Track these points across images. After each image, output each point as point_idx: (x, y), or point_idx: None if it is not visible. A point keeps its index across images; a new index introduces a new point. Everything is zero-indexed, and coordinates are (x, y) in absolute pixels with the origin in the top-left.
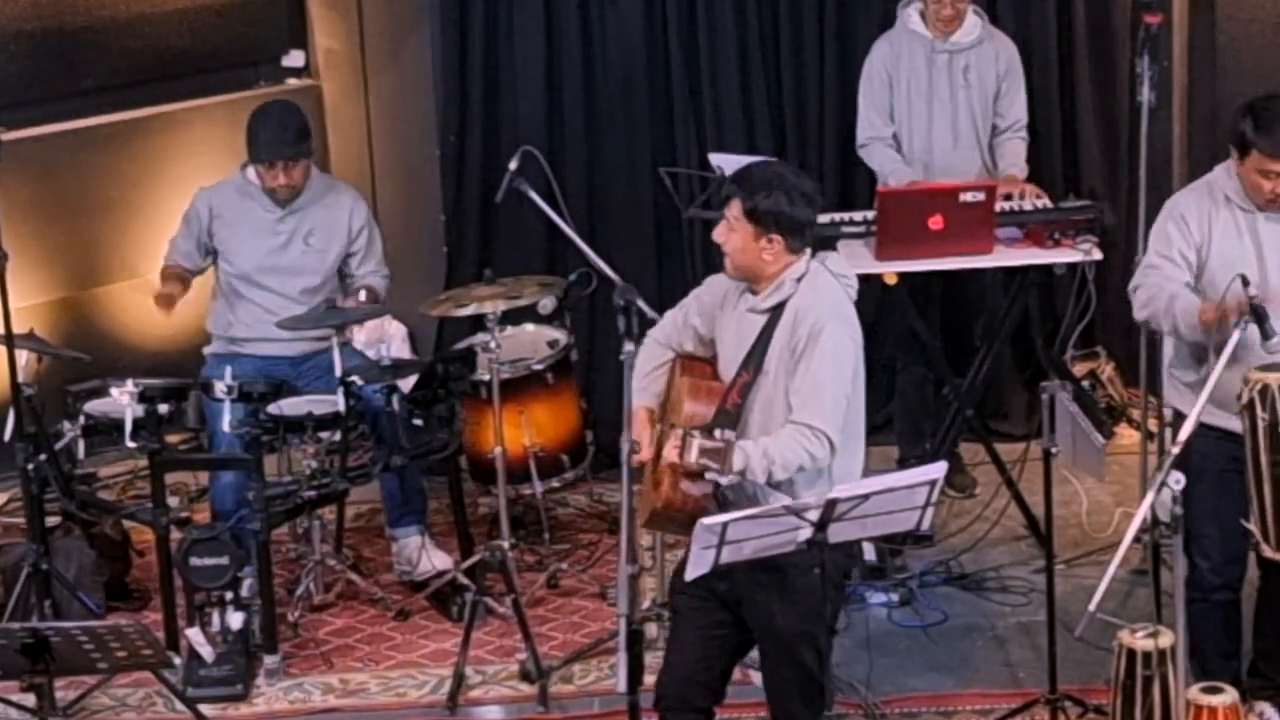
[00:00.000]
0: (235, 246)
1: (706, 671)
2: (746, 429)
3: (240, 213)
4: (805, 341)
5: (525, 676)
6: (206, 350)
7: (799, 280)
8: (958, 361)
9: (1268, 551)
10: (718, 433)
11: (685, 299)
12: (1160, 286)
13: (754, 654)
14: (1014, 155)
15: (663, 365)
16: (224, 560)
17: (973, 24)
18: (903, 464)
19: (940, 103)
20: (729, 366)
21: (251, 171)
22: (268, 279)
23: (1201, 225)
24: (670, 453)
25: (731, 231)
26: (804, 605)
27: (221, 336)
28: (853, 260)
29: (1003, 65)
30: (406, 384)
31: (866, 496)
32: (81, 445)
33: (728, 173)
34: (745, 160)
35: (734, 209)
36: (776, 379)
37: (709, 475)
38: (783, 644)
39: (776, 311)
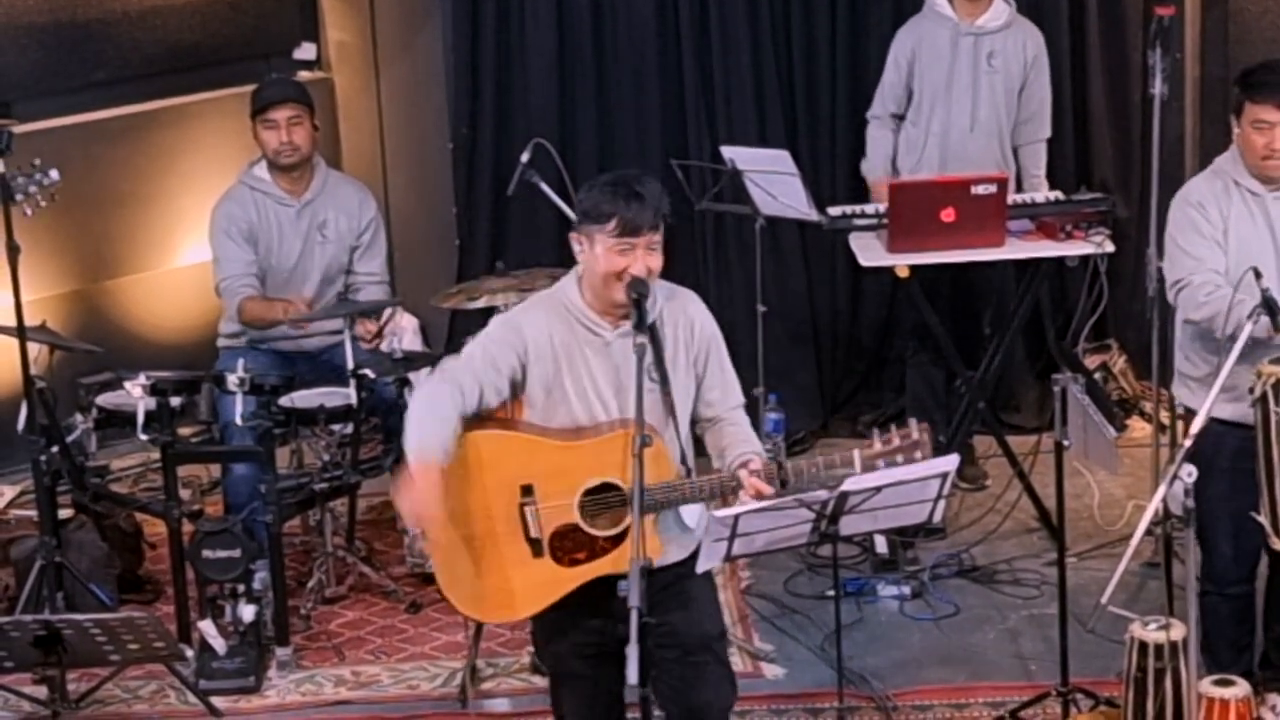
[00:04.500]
0: (265, 245)
1: None
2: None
3: (263, 211)
4: (707, 342)
5: (537, 669)
6: (219, 342)
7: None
8: (966, 354)
9: (1277, 544)
10: (754, 457)
11: (488, 350)
12: (1216, 286)
13: (765, 646)
14: (1035, 161)
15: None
16: (236, 553)
17: (1000, 9)
18: None
19: (961, 86)
20: (601, 401)
21: (258, 169)
22: (293, 277)
23: (1221, 209)
24: (765, 489)
25: (654, 254)
26: (714, 605)
27: (236, 330)
28: (865, 253)
29: (1030, 54)
30: (418, 376)
31: (878, 489)
32: (94, 438)
33: (739, 165)
34: (757, 152)
35: (660, 232)
36: (685, 386)
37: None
38: (711, 644)
39: (652, 325)
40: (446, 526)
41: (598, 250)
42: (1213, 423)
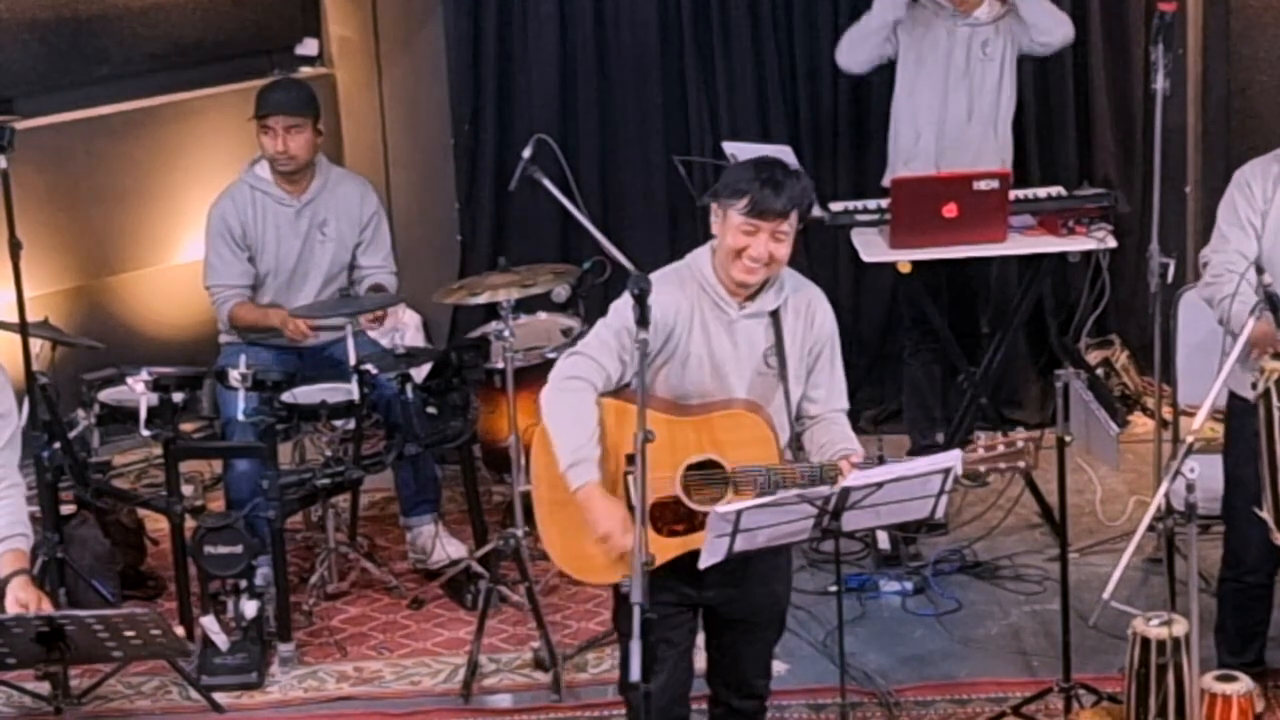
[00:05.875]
0: (262, 247)
1: (686, 684)
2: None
3: (261, 211)
4: (823, 337)
5: (539, 664)
6: (221, 339)
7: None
8: (965, 350)
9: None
10: (856, 451)
11: (616, 332)
12: (1227, 270)
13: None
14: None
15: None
16: (238, 548)
17: (994, 1)
18: (914, 454)
19: (956, 76)
20: (716, 379)
21: (260, 167)
22: (293, 278)
23: (1265, 189)
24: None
25: (781, 244)
26: (789, 579)
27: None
28: (867, 249)
29: (1019, 34)
30: (420, 372)
31: (880, 485)
32: (96, 434)
33: (741, 161)
34: (758, 148)
35: (791, 224)
36: (797, 376)
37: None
38: (783, 617)
39: (776, 312)
40: (552, 485)
41: (729, 225)
42: (1245, 404)
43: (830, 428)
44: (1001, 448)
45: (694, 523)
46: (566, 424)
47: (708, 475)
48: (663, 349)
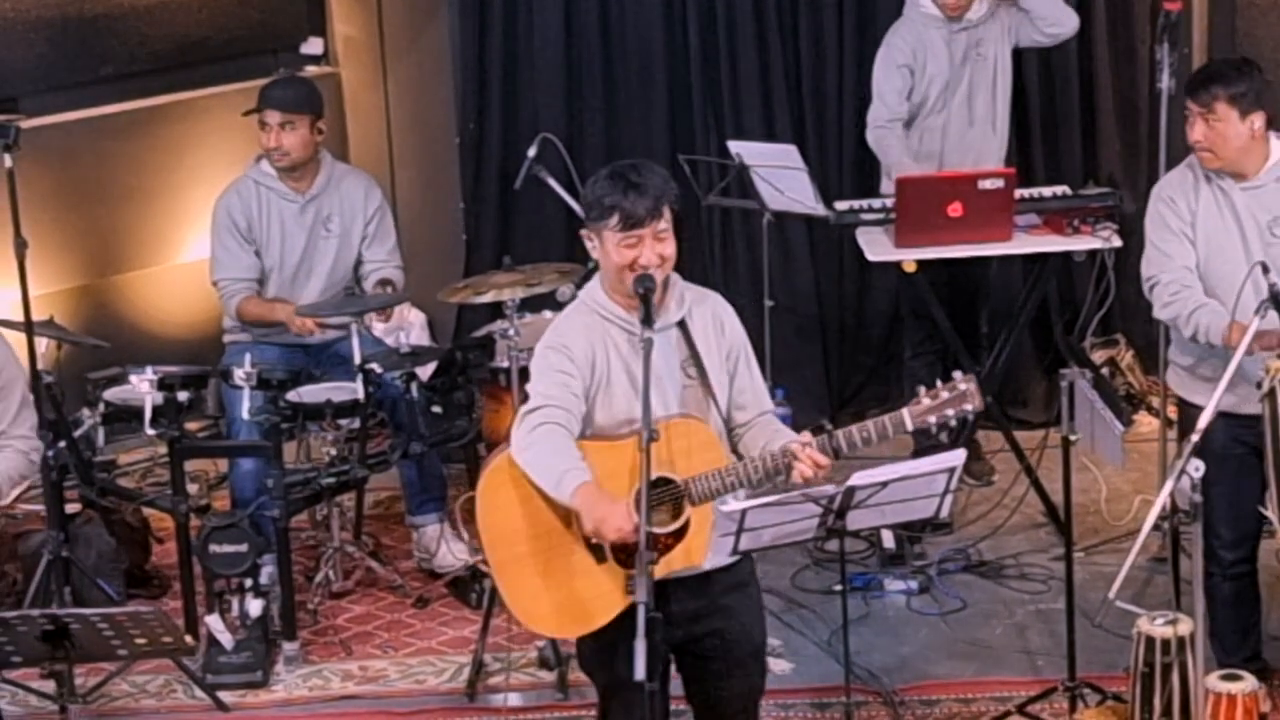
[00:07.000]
0: (267, 241)
1: None
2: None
3: (266, 206)
4: (736, 343)
5: (544, 664)
6: (226, 338)
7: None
8: (967, 349)
9: None
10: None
11: (553, 375)
12: (1183, 285)
13: (772, 640)
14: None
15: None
16: (243, 547)
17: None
18: (918, 453)
19: (956, 81)
20: (633, 401)
21: (265, 164)
22: (298, 273)
23: (1189, 201)
24: (821, 459)
25: (664, 242)
26: (762, 611)
27: (241, 325)
28: (872, 248)
29: (1011, 27)
30: (425, 371)
31: (885, 484)
32: (101, 432)
33: (746, 160)
34: (764, 147)
35: (666, 218)
36: (720, 383)
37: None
38: (759, 653)
39: (683, 323)
40: (506, 545)
41: (607, 246)
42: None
43: (765, 430)
44: (945, 394)
45: (657, 546)
46: (547, 458)
47: (659, 494)
48: (591, 381)
